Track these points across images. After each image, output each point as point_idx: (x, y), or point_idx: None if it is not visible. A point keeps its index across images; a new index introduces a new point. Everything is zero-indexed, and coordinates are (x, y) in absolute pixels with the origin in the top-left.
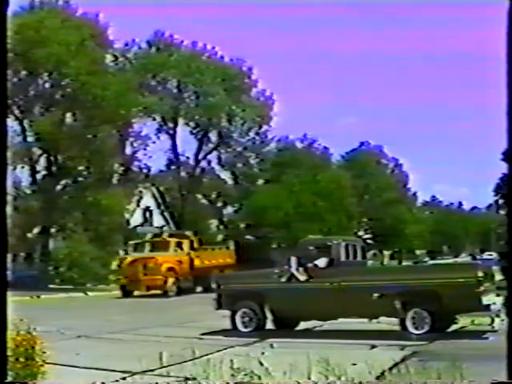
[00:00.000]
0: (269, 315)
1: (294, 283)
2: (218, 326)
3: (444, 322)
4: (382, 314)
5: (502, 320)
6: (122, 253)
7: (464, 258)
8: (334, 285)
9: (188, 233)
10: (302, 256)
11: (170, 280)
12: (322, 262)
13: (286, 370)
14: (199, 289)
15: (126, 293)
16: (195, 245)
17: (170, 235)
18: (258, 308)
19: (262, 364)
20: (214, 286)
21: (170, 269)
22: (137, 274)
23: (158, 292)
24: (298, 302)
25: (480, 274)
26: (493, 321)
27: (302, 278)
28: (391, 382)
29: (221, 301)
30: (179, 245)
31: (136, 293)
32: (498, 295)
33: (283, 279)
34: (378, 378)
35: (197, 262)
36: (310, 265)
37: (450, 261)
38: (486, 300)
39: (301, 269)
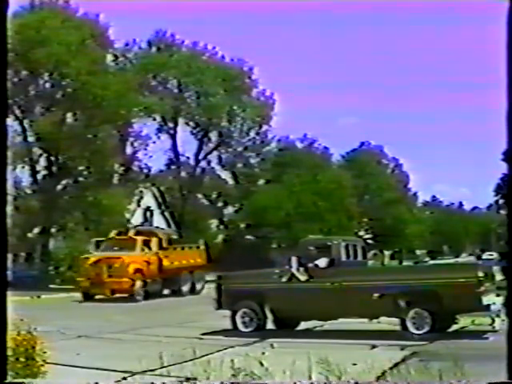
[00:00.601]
0: (269, 315)
1: (295, 283)
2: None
3: (444, 322)
4: (383, 314)
5: (503, 320)
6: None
7: (464, 258)
8: (335, 285)
9: (156, 230)
10: (303, 256)
11: (138, 283)
12: (322, 262)
13: (287, 370)
14: (166, 291)
15: (88, 296)
16: (164, 244)
17: (137, 233)
18: (258, 308)
19: (262, 364)
20: (214, 285)
21: (138, 270)
22: (100, 275)
23: (122, 296)
24: (299, 302)
25: (480, 274)
26: (493, 321)
27: (303, 278)
28: (392, 382)
29: (221, 301)
30: (147, 243)
31: (98, 296)
32: (498, 295)
33: (284, 279)
34: (378, 377)
35: (166, 263)
36: (310, 265)
37: (451, 261)
38: (486, 300)
39: (301, 269)
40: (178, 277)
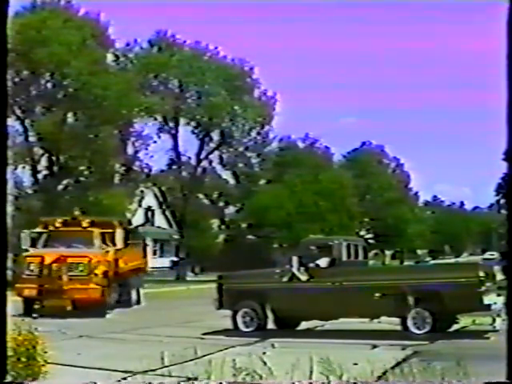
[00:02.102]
0: (270, 315)
1: (296, 283)
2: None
3: (445, 322)
4: (384, 314)
5: (503, 320)
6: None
7: (465, 257)
8: (336, 284)
9: (115, 220)
10: (304, 256)
11: (108, 291)
12: (323, 262)
13: (288, 370)
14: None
15: (30, 309)
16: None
17: (92, 223)
18: (259, 308)
19: (265, 363)
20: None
21: (105, 273)
22: (58, 280)
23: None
24: (300, 301)
25: (481, 273)
26: (494, 321)
27: (304, 277)
28: (393, 382)
29: (222, 300)
30: (104, 238)
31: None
32: (498, 295)
33: (285, 279)
34: (379, 377)
35: (121, 264)
36: (311, 264)
37: (452, 260)
38: (487, 300)
39: (302, 268)
40: (128, 282)
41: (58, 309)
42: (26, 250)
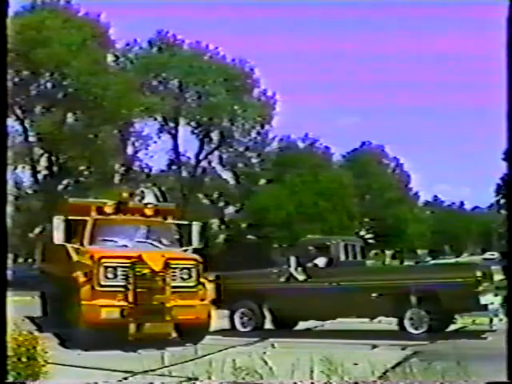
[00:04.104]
0: (267, 315)
1: (293, 283)
2: None
3: (442, 322)
4: (381, 314)
5: (501, 320)
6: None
7: (465, 257)
8: (333, 284)
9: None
10: (302, 256)
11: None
12: (321, 262)
13: (288, 370)
14: None
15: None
16: None
17: (157, 211)
18: (256, 308)
19: (266, 363)
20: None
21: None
22: (159, 294)
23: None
24: (297, 301)
25: (478, 273)
26: (491, 321)
27: (301, 277)
28: (393, 382)
29: (220, 300)
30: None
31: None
32: (496, 295)
33: (282, 279)
34: (380, 377)
35: None
36: (309, 264)
37: (452, 260)
38: (483, 300)
39: (300, 268)
40: None
41: (158, 336)
42: (62, 246)
